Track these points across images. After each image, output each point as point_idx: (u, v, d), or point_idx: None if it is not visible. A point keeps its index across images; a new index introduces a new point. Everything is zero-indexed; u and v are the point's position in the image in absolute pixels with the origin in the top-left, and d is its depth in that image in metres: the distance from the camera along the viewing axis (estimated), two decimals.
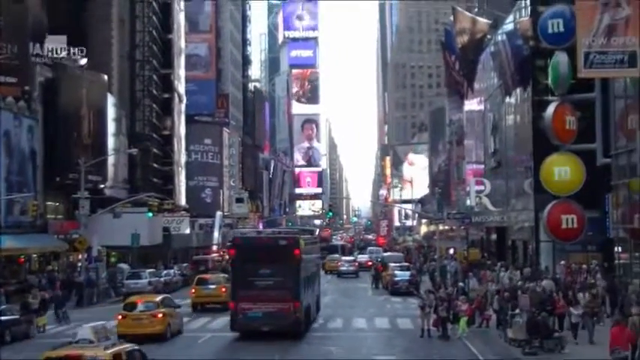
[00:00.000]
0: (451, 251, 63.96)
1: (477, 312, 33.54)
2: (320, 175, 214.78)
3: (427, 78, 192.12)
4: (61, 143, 55.34)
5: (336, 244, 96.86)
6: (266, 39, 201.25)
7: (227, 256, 69.73)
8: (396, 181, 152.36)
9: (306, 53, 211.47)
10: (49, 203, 55.59)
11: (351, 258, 76.57)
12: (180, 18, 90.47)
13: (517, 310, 29.62)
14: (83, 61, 59.07)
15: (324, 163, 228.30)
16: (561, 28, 28.95)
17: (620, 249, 38.19)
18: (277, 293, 30.67)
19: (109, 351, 17.55)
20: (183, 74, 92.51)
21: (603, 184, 37.70)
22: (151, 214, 62.28)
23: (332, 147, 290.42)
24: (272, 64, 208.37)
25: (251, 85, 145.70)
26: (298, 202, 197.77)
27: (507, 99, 51.65)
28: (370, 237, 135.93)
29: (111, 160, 62.89)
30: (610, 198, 38.07)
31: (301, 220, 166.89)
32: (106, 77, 62.87)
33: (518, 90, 47.48)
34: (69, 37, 57.44)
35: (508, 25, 50.54)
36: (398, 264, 56.66)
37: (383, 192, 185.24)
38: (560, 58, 29.03)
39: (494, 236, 61.35)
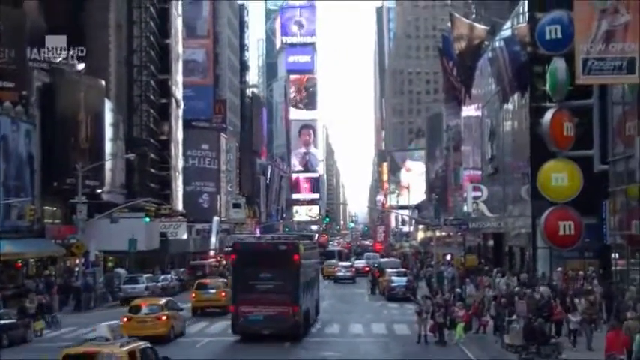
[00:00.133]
0: (448, 257, 64.04)
1: (474, 318, 33.54)
2: (317, 180, 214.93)
3: (425, 84, 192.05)
4: (58, 148, 55.33)
5: (333, 249, 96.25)
6: (264, 44, 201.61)
7: (224, 262, 70.25)
8: (393, 187, 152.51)
9: (304, 59, 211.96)
10: (47, 208, 55.54)
11: (348, 263, 75.94)
12: (177, 23, 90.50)
13: (514, 316, 29.73)
14: (81, 66, 59.00)
15: (321, 169, 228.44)
16: (559, 35, 28.89)
17: (617, 255, 38.25)
18: (277, 297, 31.04)
19: (125, 348, 18.06)
20: (180, 79, 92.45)
21: (601, 191, 37.72)
22: (148, 219, 62.46)
23: (329, 153, 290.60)
24: (269, 70, 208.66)
25: (248, 91, 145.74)
26: (295, 208, 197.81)
27: (505, 105, 51.61)
28: (367, 243, 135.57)
29: (108, 165, 62.97)
30: (607, 205, 38.14)
31: (298, 225, 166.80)
32: (103, 82, 62.92)
33: (515, 96, 47.49)
34: (66, 42, 57.37)
35: (506, 32, 50.64)
36: (395, 270, 56.49)
37: (380, 198, 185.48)
38: (558, 64, 28.99)
39: (491, 242, 61.29)
